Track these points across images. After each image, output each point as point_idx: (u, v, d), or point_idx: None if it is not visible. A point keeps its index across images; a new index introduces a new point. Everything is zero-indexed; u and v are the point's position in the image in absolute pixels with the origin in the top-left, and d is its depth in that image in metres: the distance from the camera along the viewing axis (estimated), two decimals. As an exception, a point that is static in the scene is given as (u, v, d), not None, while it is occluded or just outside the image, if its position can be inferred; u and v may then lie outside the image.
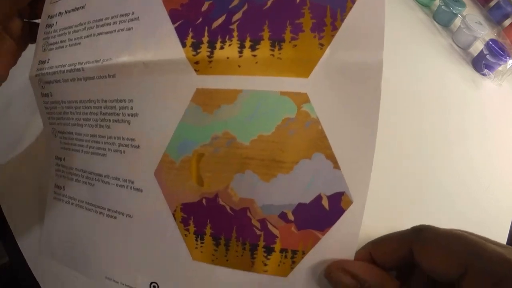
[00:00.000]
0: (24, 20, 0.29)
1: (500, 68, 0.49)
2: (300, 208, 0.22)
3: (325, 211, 0.21)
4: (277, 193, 0.22)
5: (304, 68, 0.20)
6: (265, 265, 0.23)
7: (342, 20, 0.20)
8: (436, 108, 0.45)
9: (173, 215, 0.24)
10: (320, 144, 0.21)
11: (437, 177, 0.39)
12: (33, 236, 0.31)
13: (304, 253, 0.22)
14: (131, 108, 0.24)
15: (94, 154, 0.27)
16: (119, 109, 0.25)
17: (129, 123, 0.25)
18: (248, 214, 0.22)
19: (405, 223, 0.26)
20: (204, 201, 0.23)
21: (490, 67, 0.49)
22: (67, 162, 0.29)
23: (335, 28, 0.20)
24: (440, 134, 0.43)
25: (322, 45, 0.20)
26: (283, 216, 0.22)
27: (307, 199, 0.21)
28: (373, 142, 0.20)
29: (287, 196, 0.22)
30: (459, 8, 0.50)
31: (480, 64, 0.49)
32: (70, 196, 0.29)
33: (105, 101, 0.25)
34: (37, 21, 0.29)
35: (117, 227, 0.26)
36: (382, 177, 0.31)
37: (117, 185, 0.26)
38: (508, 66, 0.48)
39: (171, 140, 0.23)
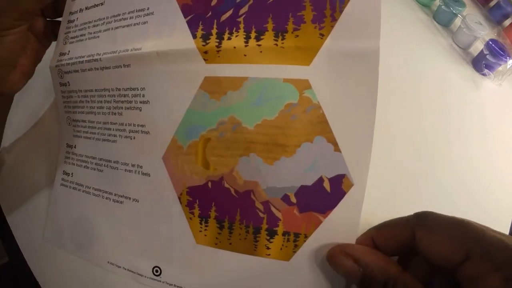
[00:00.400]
0: (47, 19, 0.30)
1: (500, 68, 0.49)
2: (302, 191, 0.23)
3: (326, 194, 0.22)
4: (280, 176, 0.23)
5: (305, 56, 0.22)
6: (268, 248, 0.24)
7: (341, 11, 0.21)
8: (436, 108, 0.45)
9: (179, 198, 0.25)
10: (321, 128, 0.22)
11: (437, 177, 0.39)
12: (33, 236, 0.31)
13: (306, 237, 0.23)
14: (143, 96, 0.26)
15: (105, 140, 0.28)
16: (132, 97, 0.26)
17: (141, 110, 0.26)
18: (252, 196, 0.23)
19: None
20: (209, 184, 0.24)
21: (490, 67, 0.49)
22: (78, 149, 0.30)
23: (334, 19, 0.21)
24: (440, 134, 0.43)
25: (322, 35, 0.21)
26: (286, 198, 0.23)
27: (309, 182, 0.22)
28: (372, 125, 0.21)
29: (290, 179, 0.23)
30: (459, 8, 0.50)
31: (480, 64, 0.50)
32: (78, 183, 0.30)
33: (119, 89, 0.27)
34: (58, 19, 0.30)
35: (124, 212, 0.27)
36: (382, 177, 0.32)
37: (125, 170, 0.27)
38: (508, 66, 0.48)
39: (179, 125, 0.24)
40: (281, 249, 0.23)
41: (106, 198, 0.28)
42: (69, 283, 0.29)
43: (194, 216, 0.25)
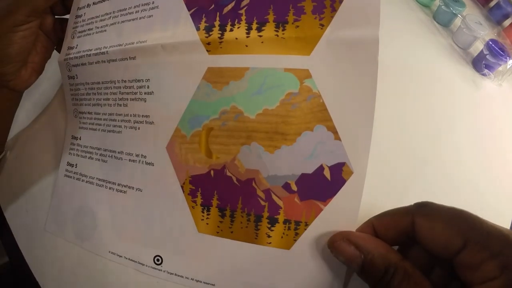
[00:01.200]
0: (56, 17, 0.31)
1: (500, 68, 0.49)
2: (303, 179, 0.23)
3: (327, 182, 0.22)
4: (281, 164, 0.23)
5: (306, 46, 0.22)
6: (269, 236, 0.24)
7: (341, 1, 0.22)
8: (436, 108, 0.45)
9: (182, 187, 0.26)
10: (321, 116, 0.22)
11: (436, 177, 0.39)
12: (33, 236, 0.31)
13: (307, 224, 0.23)
14: (148, 87, 0.26)
15: (110, 131, 0.28)
16: (137, 88, 0.27)
17: (145, 101, 0.27)
18: (254, 184, 0.24)
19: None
20: (212, 172, 0.25)
21: (490, 67, 0.49)
22: (83, 140, 0.30)
23: (334, 10, 0.22)
24: (440, 134, 0.43)
25: (322, 25, 0.22)
26: (286, 186, 0.23)
27: (309, 170, 0.23)
28: (372, 113, 0.21)
29: (290, 167, 0.23)
30: (459, 8, 0.51)
31: (480, 64, 0.50)
32: (82, 173, 0.30)
33: (125, 81, 0.27)
34: (66, 16, 0.31)
35: (127, 201, 0.28)
36: (380, 178, 0.32)
37: (129, 160, 0.28)
38: (508, 66, 0.48)
39: (183, 115, 0.25)
40: (282, 237, 0.24)
41: (110, 188, 0.28)
42: (69, 282, 0.29)
43: (197, 205, 0.25)
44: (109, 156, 0.29)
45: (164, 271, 0.27)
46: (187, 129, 0.25)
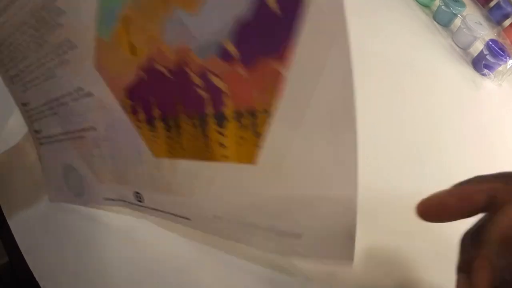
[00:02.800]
0: None
1: (500, 68, 0.48)
2: (240, 30, 0.16)
3: (276, 18, 0.14)
4: (209, 20, 0.17)
5: None
6: (223, 146, 0.19)
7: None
8: (435, 108, 0.45)
9: (124, 108, 0.22)
10: None
11: (436, 178, 0.38)
12: (33, 236, 0.30)
13: (267, 112, 0.16)
14: (58, 8, 0.22)
15: (46, 80, 0.26)
16: (47, 15, 0.23)
17: (61, 25, 0.23)
18: (187, 69, 0.18)
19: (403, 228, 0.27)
20: (141, 74, 0.21)
21: (490, 67, 0.49)
22: (32, 103, 0.28)
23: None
24: (440, 135, 0.43)
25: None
26: (222, 51, 0.17)
27: (246, 9, 0.15)
28: None
29: (220, 17, 0.16)
30: (459, 8, 0.51)
31: (480, 64, 0.49)
32: (48, 135, 0.28)
33: (34, 14, 0.23)
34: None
35: (88, 146, 0.26)
36: (380, 178, 0.32)
37: (72, 100, 0.25)
38: (508, 66, 0.48)
39: (97, 17, 0.21)
40: (239, 144, 0.18)
41: (71, 138, 0.26)
42: (69, 283, 0.28)
43: (142, 123, 0.22)
44: (56, 106, 0.26)
45: (147, 207, 0.25)
46: (106, 30, 0.21)
